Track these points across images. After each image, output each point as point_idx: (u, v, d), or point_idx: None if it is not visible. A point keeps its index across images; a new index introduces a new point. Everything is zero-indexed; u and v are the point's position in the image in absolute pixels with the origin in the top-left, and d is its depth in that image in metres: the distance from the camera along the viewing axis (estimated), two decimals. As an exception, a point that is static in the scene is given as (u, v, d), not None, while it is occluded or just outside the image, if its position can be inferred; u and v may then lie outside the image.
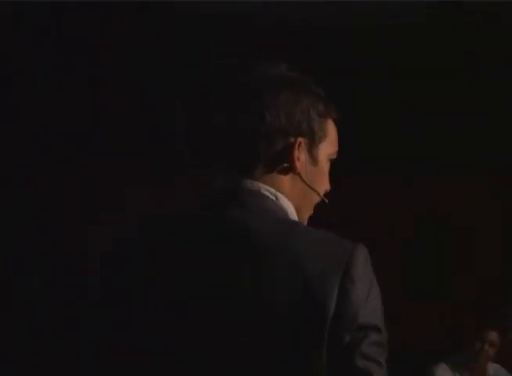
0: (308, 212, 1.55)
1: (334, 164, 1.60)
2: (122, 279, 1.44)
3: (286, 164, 1.48)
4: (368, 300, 1.37)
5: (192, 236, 1.42)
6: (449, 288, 5.86)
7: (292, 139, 1.48)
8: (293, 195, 1.50)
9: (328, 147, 1.54)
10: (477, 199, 5.83)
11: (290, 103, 1.48)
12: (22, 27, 5.15)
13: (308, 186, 1.50)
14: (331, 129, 1.55)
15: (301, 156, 1.48)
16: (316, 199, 1.54)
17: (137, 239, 1.47)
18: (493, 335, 4.38)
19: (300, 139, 1.48)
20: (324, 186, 1.55)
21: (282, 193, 1.48)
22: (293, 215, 1.49)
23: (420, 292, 5.88)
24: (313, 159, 1.51)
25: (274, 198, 1.47)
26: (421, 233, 5.96)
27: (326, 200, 1.55)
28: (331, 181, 1.58)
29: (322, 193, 1.54)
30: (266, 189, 1.47)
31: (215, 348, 1.36)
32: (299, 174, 1.49)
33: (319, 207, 1.58)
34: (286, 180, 1.49)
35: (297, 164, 1.48)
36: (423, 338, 5.51)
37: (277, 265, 1.36)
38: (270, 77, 1.50)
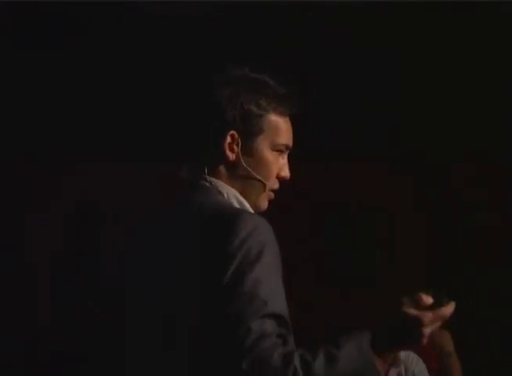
0: (259, 197, 1.72)
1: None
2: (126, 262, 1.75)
3: (222, 155, 1.69)
4: (237, 257, 1.48)
5: (152, 224, 1.70)
6: (374, 276, 6.02)
7: (226, 133, 1.68)
8: (233, 182, 1.69)
9: (269, 140, 1.70)
10: (398, 186, 5.99)
11: (225, 99, 1.68)
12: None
13: (245, 174, 1.68)
14: (274, 123, 1.70)
15: (234, 146, 1.68)
16: (260, 186, 1.71)
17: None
18: None
19: (233, 132, 1.68)
20: (270, 173, 1.72)
21: (220, 180, 1.68)
22: (232, 198, 1.66)
23: (342, 279, 6.02)
24: (250, 150, 1.69)
25: (210, 185, 1.67)
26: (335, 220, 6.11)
27: (275, 186, 1.74)
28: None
29: (269, 180, 1.71)
30: (203, 178, 1.67)
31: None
32: (234, 163, 1.68)
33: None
34: (224, 169, 1.69)
35: (229, 154, 1.68)
36: (340, 324, 5.56)
37: (189, 239, 1.56)
38: (220, 78, 1.71)
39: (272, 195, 1.74)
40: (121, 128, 5.78)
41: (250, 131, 1.68)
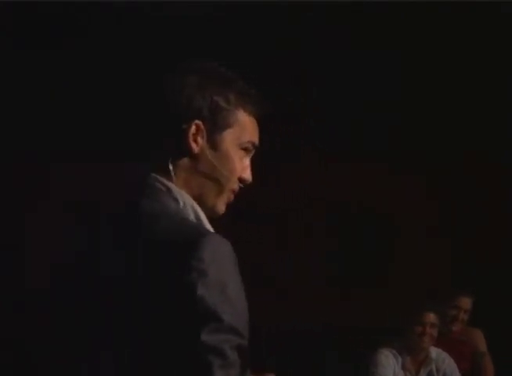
0: (218, 199, 1.61)
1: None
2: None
3: (184, 146, 1.56)
4: (207, 288, 1.39)
5: (102, 230, 1.62)
6: (387, 276, 6.03)
7: (191, 122, 1.56)
8: (193, 178, 1.58)
9: (236, 136, 1.60)
10: (398, 186, 5.99)
11: (193, 88, 1.57)
12: None
13: (207, 170, 1.57)
14: (242, 120, 1.61)
15: (198, 139, 1.57)
16: (223, 184, 1.60)
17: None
18: (431, 317, 4.42)
19: (198, 123, 1.57)
20: (233, 172, 1.61)
21: (179, 178, 1.57)
22: (189, 208, 1.55)
23: (358, 280, 6.02)
24: (214, 144, 1.59)
25: (165, 190, 1.55)
26: (357, 221, 6.11)
27: (235, 186, 1.62)
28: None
29: (231, 179, 1.60)
30: (159, 182, 1.56)
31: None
32: (197, 157, 1.57)
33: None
34: (186, 163, 1.58)
35: (193, 146, 1.57)
36: (363, 325, 5.57)
37: (140, 252, 1.47)
38: (188, 68, 1.61)
39: (232, 197, 1.64)
40: (122, 127, 5.77)
41: (216, 124, 1.58)
